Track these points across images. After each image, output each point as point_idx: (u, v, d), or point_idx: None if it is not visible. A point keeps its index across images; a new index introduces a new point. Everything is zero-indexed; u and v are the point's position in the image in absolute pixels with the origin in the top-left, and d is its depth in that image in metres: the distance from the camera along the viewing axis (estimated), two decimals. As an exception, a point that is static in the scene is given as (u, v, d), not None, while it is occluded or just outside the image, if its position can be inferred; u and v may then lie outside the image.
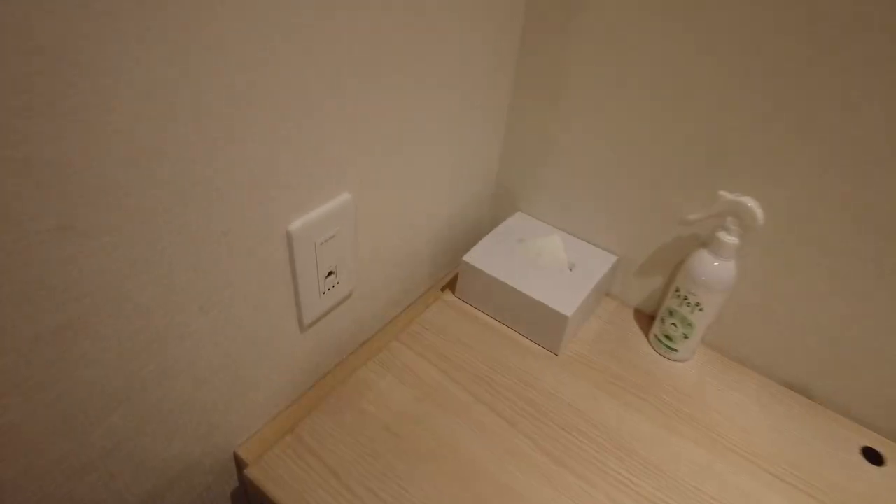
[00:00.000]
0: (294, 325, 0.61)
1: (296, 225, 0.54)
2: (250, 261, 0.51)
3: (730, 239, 0.67)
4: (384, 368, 0.71)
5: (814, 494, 0.64)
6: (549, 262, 0.79)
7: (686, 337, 0.74)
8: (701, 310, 0.71)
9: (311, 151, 0.52)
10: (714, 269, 0.69)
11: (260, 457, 0.61)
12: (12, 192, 0.33)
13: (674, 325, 0.75)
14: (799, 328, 0.71)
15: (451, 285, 0.85)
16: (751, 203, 0.64)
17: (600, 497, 0.61)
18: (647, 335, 0.81)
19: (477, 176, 0.83)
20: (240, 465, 0.63)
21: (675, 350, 0.76)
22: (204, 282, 0.48)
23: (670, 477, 0.64)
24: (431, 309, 0.81)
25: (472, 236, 0.91)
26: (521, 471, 0.62)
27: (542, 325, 0.75)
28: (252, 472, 0.60)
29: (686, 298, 0.72)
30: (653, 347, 0.79)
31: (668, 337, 0.76)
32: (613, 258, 0.81)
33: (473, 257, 0.78)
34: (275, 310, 0.57)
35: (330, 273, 0.61)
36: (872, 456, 0.69)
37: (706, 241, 0.71)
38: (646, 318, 0.84)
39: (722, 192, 0.67)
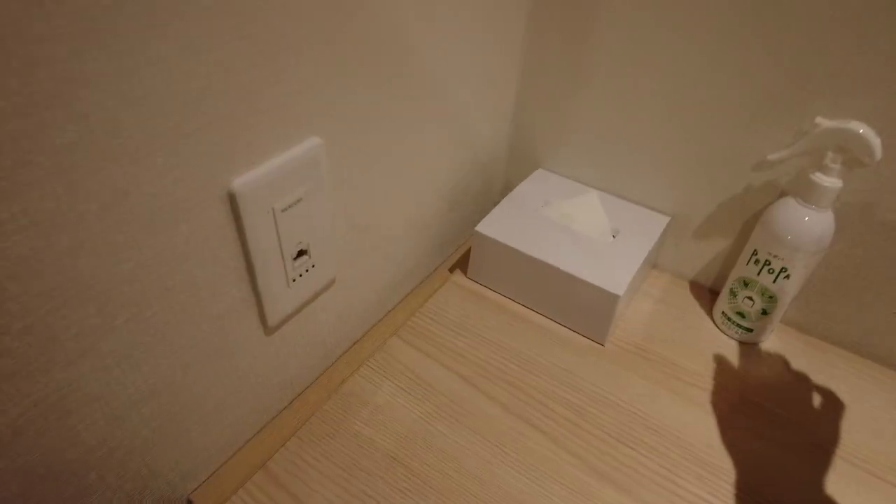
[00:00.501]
0: (255, 328, 0.45)
1: (242, 181, 0.37)
2: (173, 236, 0.34)
3: (830, 182, 0.51)
4: (382, 375, 0.55)
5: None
6: (587, 227, 0.62)
7: (765, 313, 0.58)
8: (787, 277, 0.55)
9: (260, 71, 0.35)
10: (806, 223, 0.53)
11: (220, 505, 0.45)
12: None
13: (749, 298, 0.58)
14: (914, 294, 0.55)
15: (461, 264, 0.68)
16: (862, 129, 0.48)
17: (685, 537, 0.45)
18: (710, 314, 0.64)
19: (488, 123, 0.66)
20: (194, 517, 0.47)
21: (750, 330, 0.60)
22: (100, 272, 0.31)
23: (770, 500, 0.48)
24: (439, 294, 0.64)
25: (484, 201, 0.74)
26: (572, 502, 0.46)
27: (583, 308, 0.58)
28: (209, 531, 0.44)
29: (768, 263, 0.55)
30: (719, 328, 0.63)
31: (740, 314, 0.60)
32: (666, 219, 0.64)
33: (489, 226, 0.61)
34: (223, 308, 0.41)
35: (300, 253, 0.45)
36: None
37: (789, 188, 0.54)
38: (706, 293, 0.67)
39: (819, 119, 0.50)
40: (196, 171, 0.34)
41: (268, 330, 0.46)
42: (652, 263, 0.68)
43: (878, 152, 0.48)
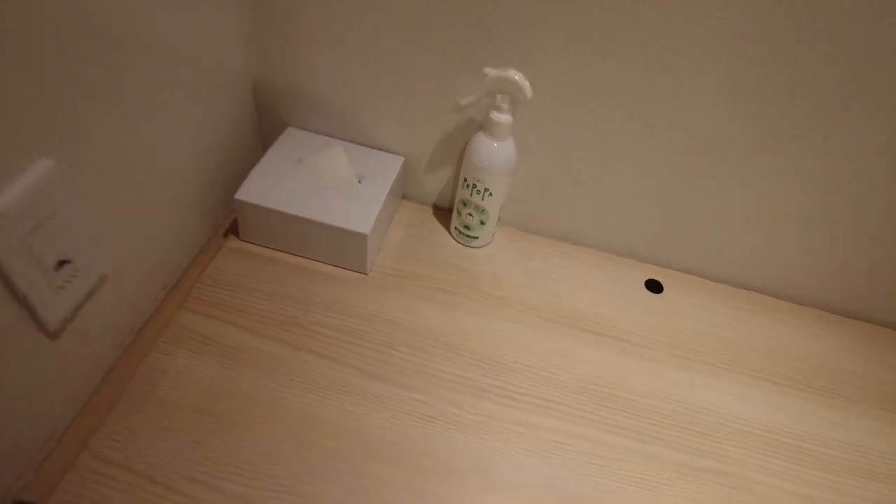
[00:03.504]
0: (37, 335, 0.49)
1: (-21, 220, 0.41)
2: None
3: (503, 118, 0.66)
4: (175, 346, 0.62)
5: (614, 335, 0.71)
6: (335, 178, 0.72)
7: (483, 223, 0.75)
8: (491, 194, 0.71)
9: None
10: (494, 151, 0.68)
11: (52, 493, 0.51)
12: None
13: (470, 214, 0.74)
14: (574, 188, 0.75)
15: (234, 228, 0.75)
16: (517, 76, 0.63)
17: (437, 403, 0.61)
18: (449, 229, 0.80)
19: (224, 89, 0.71)
20: (25, 512, 0.52)
21: (476, 237, 0.77)
22: None
23: (496, 361, 0.66)
24: (215, 262, 0.71)
25: (244, 163, 0.80)
26: (354, 403, 0.60)
27: (342, 248, 0.70)
28: (43, 517, 0.50)
29: (475, 186, 0.71)
30: (456, 241, 0.79)
31: (466, 227, 0.76)
32: (400, 160, 0.77)
33: (248, 192, 0.69)
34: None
35: (63, 262, 0.49)
36: (654, 286, 0.79)
37: (483, 124, 0.69)
38: (445, 213, 0.83)
39: (487, 69, 0.64)
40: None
41: (51, 334, 0.51)
42: (400, 196, 0.82)
43: (530, 92, 0.64)
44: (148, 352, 0.62)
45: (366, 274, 0.72)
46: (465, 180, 0.71)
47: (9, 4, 0.39)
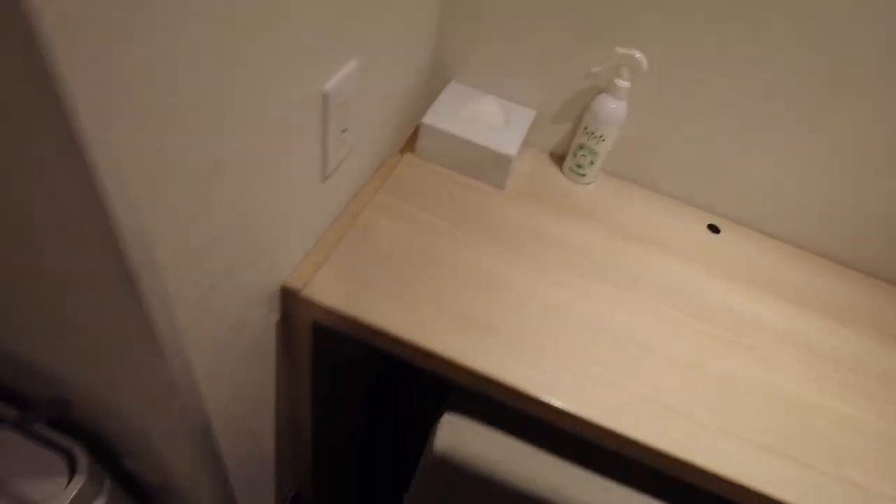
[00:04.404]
0: (319, 175, 0.76)
1: (330, 85, 0.67)
2: (300, 116, 0.65)
3: (623, 84, 0.92)
4: (379, 213, 0.89)
5: (680, 254, 0.95)
6: (488, 118, 0.98)
7: (592, 163, 1.00)
8: (603, 140, 0.97)
9: (334, 21, 0.65)
10: (612, 108, 0.94)
11: (305, 286, 0.77)
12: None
13: (583, 155, 1.00)
14: (666, 149, 1.00)
15: (408, 147, 1.02)
16: (638, 55, 0.89)
17: (550, 275, 0.86)
18: (561, 170, 1.06)
19: (419, 48, 0.98)
20: (288, 295, 0.78)
21: (584, 175, 1.02)
22: (268, 142, 0.61)
23: (593, 257, 0.91)
24: (400, 166, 0.98)
25: (417, 102, 1.06)
26: (493, 263, 0.85)
27: (491, 167, 0.96)
28: (307, 293, 0.76)
29: (592, 132, 0.96)
30: (566, 177, 1.04)
31: (578, 166, 1.01)
32: (533, 112, 1.03)
33: (432, 119, 0.96)
34: (309, 160, 0.71)
35: (344, 130, 0.76)
36: (713, 229, 1.03)
37: (605, 88, 0.95)
38: (558, 158, 1.08)
39: (618, 48, 0.90)
40: (310, 80, 0.64)
41: (324, 178, 0.77)
42: (525, 142, 1.07)
43: (645, 67, 0.89)
44: (358, 215, 0.88)
45: (503, 190, 0.98)
46: (586, 128, 0.97)
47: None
